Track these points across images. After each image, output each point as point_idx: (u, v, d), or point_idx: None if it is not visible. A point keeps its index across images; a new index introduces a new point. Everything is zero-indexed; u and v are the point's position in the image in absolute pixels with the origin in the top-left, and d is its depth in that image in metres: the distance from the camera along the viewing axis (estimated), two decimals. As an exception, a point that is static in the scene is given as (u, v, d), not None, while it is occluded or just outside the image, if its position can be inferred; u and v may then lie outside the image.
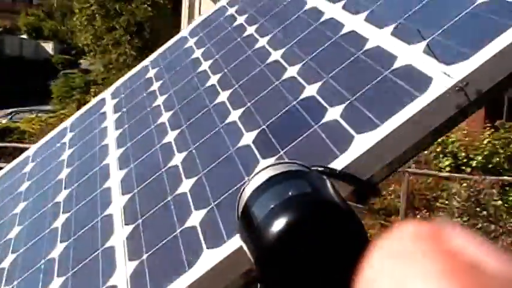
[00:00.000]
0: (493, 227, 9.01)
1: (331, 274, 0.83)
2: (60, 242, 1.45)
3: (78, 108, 14.62)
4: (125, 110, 1.88)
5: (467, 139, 9.12)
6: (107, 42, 18.57)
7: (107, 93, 2.11)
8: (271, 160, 1.15)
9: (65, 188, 1.68)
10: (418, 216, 7.86)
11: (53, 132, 2.13)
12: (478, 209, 8.86)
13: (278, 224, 0.81)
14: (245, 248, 0.91)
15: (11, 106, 19.42)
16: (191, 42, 2.00)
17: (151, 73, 2.00)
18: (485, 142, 9.16)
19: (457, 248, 0.28)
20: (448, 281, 0.27)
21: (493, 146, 9.16)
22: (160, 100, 1.78)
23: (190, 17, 16.67)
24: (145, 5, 18.11)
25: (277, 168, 0.93)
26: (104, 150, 1.72)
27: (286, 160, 1.07)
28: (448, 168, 8.99)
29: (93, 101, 2.16)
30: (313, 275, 0.83)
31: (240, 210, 0.93)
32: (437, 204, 8.28)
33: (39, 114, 16.73)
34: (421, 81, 1.07)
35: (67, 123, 2.14)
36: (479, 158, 9.07)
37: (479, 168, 9.06)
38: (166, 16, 17.98)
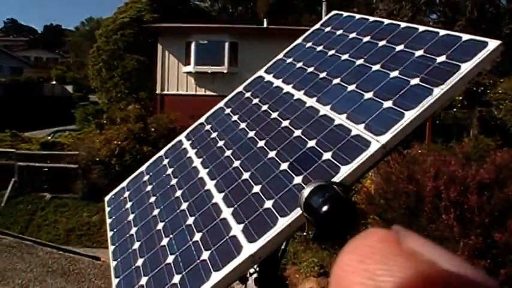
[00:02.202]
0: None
1: (346, 228, 1.11)
2: (190, 216, 1.56)
3: (97, 126, 14.00)
4: (199, 147, 1.91)
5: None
6: (109, 85, 18.42)
7: (182, 137, 2.07)
8: (300, 177, 1.35)
9: (178, 189, 1.76)
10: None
11: (153, 158, 2.09)
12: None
13: (325, 208, 1.10)
14: (308, 217, 1.17)
15: (51, 127, 18.87)
16: (228, 110, 2.01)
17: (207, 127, 2.00)
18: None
19: (414, 249, 0.23)
20: (411, 274, 0.22)
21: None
22: (220, 143, 1.81)
23: (163, 69, 16.62)
24: (133, 61, 18.02)
25: (316, 183, 1.21)
26: (195, 170, 1.78)
27: (313, 180, 1.29)
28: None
29: (173, 142, 2.09)
30: (341, 229, 1.10)
31: (303, 201, 1.18)
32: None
33: (70, 132, 16.29)
34: (366, 143, 1.31)
35: (161, 153, 2.09)
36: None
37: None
38: (145, 68, 17.91)
